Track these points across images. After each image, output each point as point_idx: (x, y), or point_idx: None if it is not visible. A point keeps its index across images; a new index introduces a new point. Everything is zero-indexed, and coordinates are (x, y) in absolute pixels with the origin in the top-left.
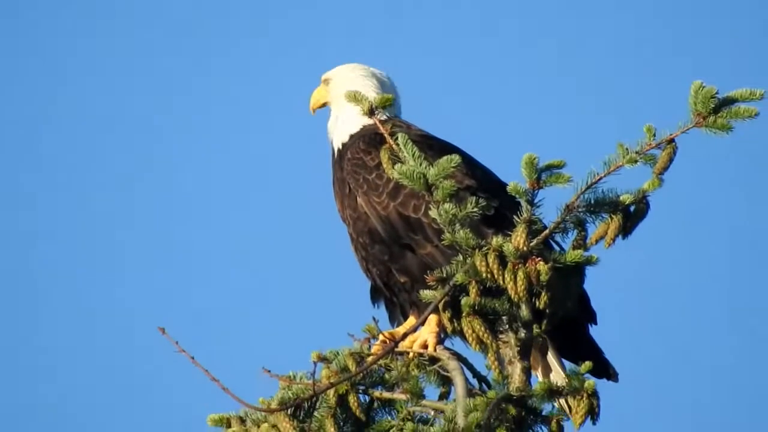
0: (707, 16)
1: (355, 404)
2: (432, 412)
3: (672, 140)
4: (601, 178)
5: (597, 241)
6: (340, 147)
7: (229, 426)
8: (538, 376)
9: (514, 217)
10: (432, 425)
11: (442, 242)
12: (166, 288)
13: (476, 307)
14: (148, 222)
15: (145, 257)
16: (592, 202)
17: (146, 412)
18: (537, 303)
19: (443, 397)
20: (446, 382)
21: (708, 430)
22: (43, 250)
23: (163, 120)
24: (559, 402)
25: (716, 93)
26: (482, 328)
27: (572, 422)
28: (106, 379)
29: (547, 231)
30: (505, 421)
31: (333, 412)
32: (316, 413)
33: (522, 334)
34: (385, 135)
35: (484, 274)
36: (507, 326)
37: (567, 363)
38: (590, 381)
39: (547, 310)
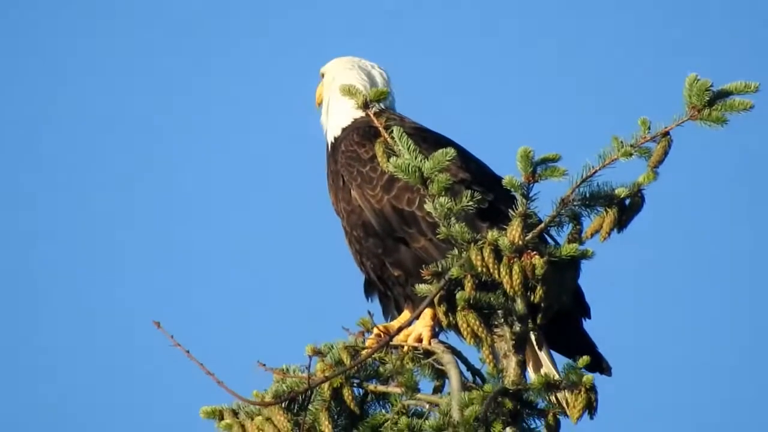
0: (707, 16)
1: (350, 397)
2: (427, 406)
3: (667, 133)
4: (596, 172)
5: (592, 235)
6: (333, 140)
7: (221, 419)
8: (529, 370)
9: (509, 210)
10: (427, 419)
11: (438, 236)
12: (163, 286)
13: (471, 301)
14: (147, 221)
15: (144, 256)
16: (588, 195)
17: (145, 411)
18: (532, 297)
19: (437, 390)
20: (440, 375)
21: (705, 427)
22: (43, 250)
23: (163, 120)
24: (556, 396)
25: (711, 86)
26: (477, 322)
27: (569, 417)
28: (106, 378)
29: (542, 225)
30: (501, 415)
31: (327, 405)
32: (310, 406)
33: (517, 327)
34: (380, 128)
35: (479, 268)
36: (502, 320)
37: (563, 358)
38: (588, 375)
39: (543, 304)
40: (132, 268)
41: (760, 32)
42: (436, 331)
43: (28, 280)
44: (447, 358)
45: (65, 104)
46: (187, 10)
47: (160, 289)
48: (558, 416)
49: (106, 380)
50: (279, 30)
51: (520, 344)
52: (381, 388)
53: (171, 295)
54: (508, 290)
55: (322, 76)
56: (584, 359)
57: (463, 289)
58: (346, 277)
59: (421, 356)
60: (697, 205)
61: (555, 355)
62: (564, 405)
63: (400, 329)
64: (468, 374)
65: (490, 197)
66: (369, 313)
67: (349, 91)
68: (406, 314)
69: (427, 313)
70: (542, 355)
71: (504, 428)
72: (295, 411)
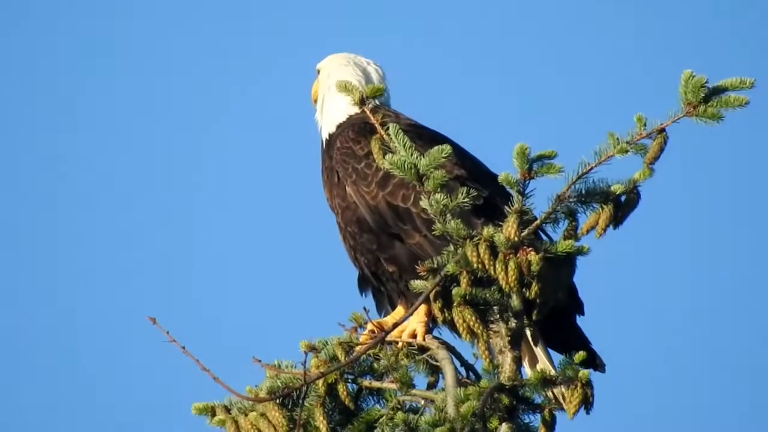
0: (706, 15)
1: (345, 393)
2: (422, 402)
3: (662, 130)
4: (591, 168)
5: (588, 231)
6: (328, 136)
7: (213, 415)
8: (525, 366)
9: (505, 207)
10: (422, 415)
11: (433, 233)
12: (158, 282)
13: (467, 297)
14: (143, 219)
15: (138, 253)
16: (583, 192)
17: (143, 409)
18: (528, 293)
19: (431, 386)
20: (435, 371)
21: (701, 424)
22: (41, 249)
23: (157, 118)
24: (553, 392)
25: (706, 82)
26: (473, 318)
27: (566, 412)
28: (104, 376)
29: (538, 221)
30: (497, 411)
31: (322, 401)
32: (304, 402)
33: (513, 324)
34: (376, 125)
35: (475, 265)
36: (498, 316)
37: (557, 354)
38: (584, 371)
39: (538, 300)
40: (125, 265)
41: (759, 30)
42: (430, 327)
43: (27, 279)
44: (442, 354)
45: (64, 103)
46: (186, 10)
47: (155, 286)
48: (554, 412)
49: (104, 378)
50: (278, 29)
51: (516, 340)
52: (376, 383)
53: (166, 291)
54: (503, 286)
55: (318, 72)
56: (580, 355)
57: (458, 285)
58: (340, 272)
59: (416, 352)
60: (692, 202)
61: (550, 351)
62: (561, 400)
63: (395, 325)
64: (462, 370)
65: (485, 194)
66: (365, 309)
67: (345, 88)
68: (399, 310)
69: (421, 309)
70: (538, 351)
71: (500, 424)
72: (290, 407)
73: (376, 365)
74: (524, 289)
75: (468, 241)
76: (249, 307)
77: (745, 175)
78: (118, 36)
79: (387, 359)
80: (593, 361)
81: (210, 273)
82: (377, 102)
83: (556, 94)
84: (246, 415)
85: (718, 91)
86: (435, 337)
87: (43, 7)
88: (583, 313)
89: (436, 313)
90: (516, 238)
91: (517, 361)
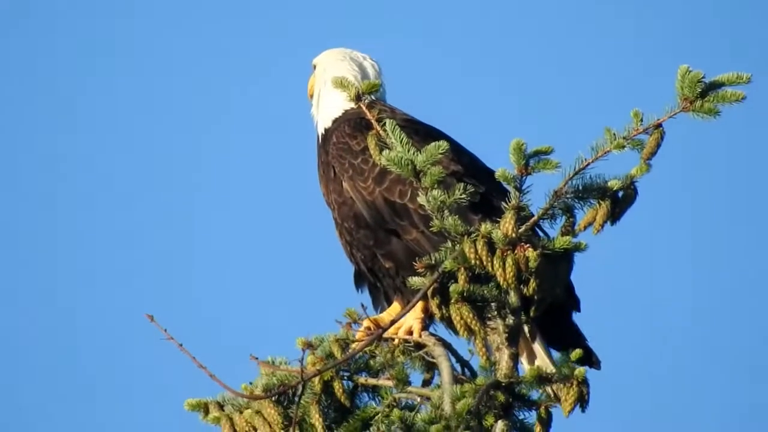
0: (706, 15)
1: (341, 390)
2: (418, 399)
3: (659, 125)
4: (589, 164)
5: (585, 228)
6: (324, 131)
7: (207, 412)
8: (523, 363)
9: (502, 203)
10: (418, 412)
11: (431, 229)
12: (159, 281)
13: (465, 294)
14: (139, 215)
15: (134, 251)
16: (580, 188)
17: (143, 408)
18: (525, 290)
19: (426, 383)
20: (431, 368)
21: (697, 421)
22: (41, 249)
23: (151, 117)
24: (549, 389)
25: (703, 77)
26: (470, 315)
27: (561, 409)
28: (102, 375)
29: (535, 217)
30: (493, 408)
31: (318, 398)
32: (300, 400)
33: (510, 320)
34: (372, 121)
35: (472, 261)
36: (495, 313)
37: (553, 351)
38: (580, 369)
39: (536, 297)
40: (125, 264)
41: (756, 27)
42: (426, 323)
43: (26, 278)
44: (438, 351)
45: (62, 103)
46: (186, 9)
47: (154, 284)
48: (550, 409)
49: (103, 378)
50: (278, 27)
51: (513, 337)
52: (372, 381)
53: (164, 289)
54: (501, 283)
55: (314, 67)
56: (577, 352)
57: (456, 281)
58: (336, 268)
59: (412, 349)
60: (690, 198)
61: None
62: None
63: (393, 322)
64: (457, 366)
65: (482, 190)
66: (362, 306)
67: (341, 84)
68: (395, 306)
69: (418, 305)
70: (537, 348)
71: (496, 421)
72: (286, 404)
73: (372, 362)
74: (522, 286)
75: (465, 237)
76: (245, 304)
77: (742, 170)
78: (118, 36)
79: (383, 356)
80: (589, 359)
81: (207, 270)
82: (373, 97)
83: (556, 94)
84: (241, 412)
85: (714, 86)
86: (431, 334)
87: (43, 7)
88: (579, 310)
89: (434, 309)
90: (513, 235)
91: (515, 358)
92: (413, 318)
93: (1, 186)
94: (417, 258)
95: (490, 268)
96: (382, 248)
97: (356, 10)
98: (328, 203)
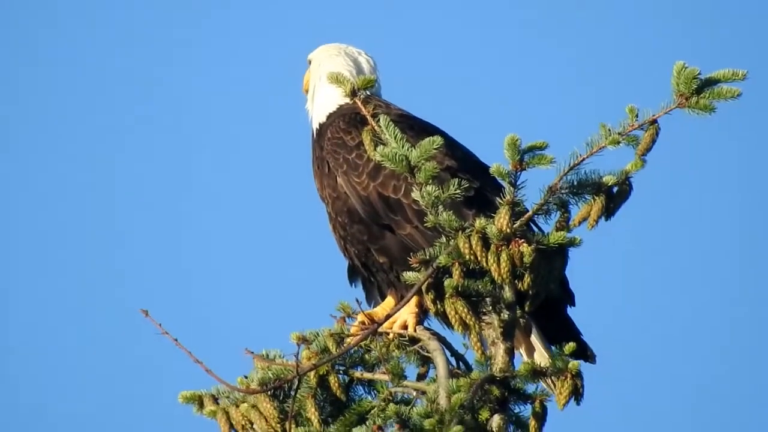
0: (707, 15)
1: (336, 385)
2: (414, 393)
3: (654, 121)
4: (583, 160)
5: (580, 223)
6: (318, 126)
7: (201, 404)
8: (522, 355)
9: (497, 198)
10: (414, 406)
11: (425, 224)
12: (154, 277)
13: (459, 289)
14: (134, 212)
15: (130, 248)
16: (575, 183)
17: (142, 407)
18: (520, 285)
19: (421, 377)
20: (426, 362)
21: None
22: (42, 249)
23: (145, 111)
24: (545, 382)
25: (699, 73)
26: (465, 310)
27: (556, 403)
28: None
29: (530, 213)
30: (488, 402)
31: (314, 392)
32: (296, 394)
33: (505, 315)
34: (367, 117)
35: (467, 256)
36: (490, 308)
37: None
38: (574, 362)
39: (530, 292)
40: (115, 258)
41: (759, 30)
42: (421, 317)
43: (25, 278)
44: (433, 345)
45: (61, 100)
46: (186, 8)
47: (150, 280)
48: (545, 403)
49: (103, 377)
50: (276, 26)
51: (508, 331)
52: (367, 375)
53: (158, 284)
54: (496, 278)
55: (309, 62)
56: (570, 346)
57: (451, 276)
58: (330, 263)
59: (407, 343)
60: (684, 193)
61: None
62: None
63: (388, 316)
64: (452, 359)
65: (476, 185)
66: (357, 300)
67: (336, 79)
68: (389, 301)
69: (412, 300)
70: (535, 342)
71: (491, 415)
72: (281, 398)
73: (367, 356)
74: (516, 281)
75: (460, 232)
76: (240, 299)
77: (737, 167)
78: (118, 36)
79: (378, 350)
80: (584, 353)
81: (201, 264)
82: (368, 93)
83: (556, 94)
84: (237, 406)
85: (710, 82)
86: (426, 328)
87: (42, 6)
88: (573, 304)
89: (429, 304)
90: (508, 230)
91: (510, 353)
92: (408, 312)
93: (2, 186)
94: (411, 253)
95: (484, 264)
96: (376, 243)
97: (356, 10)
98: (323, 198)
